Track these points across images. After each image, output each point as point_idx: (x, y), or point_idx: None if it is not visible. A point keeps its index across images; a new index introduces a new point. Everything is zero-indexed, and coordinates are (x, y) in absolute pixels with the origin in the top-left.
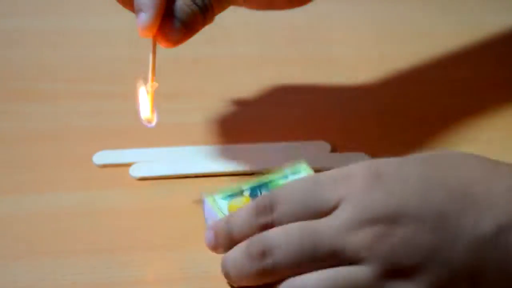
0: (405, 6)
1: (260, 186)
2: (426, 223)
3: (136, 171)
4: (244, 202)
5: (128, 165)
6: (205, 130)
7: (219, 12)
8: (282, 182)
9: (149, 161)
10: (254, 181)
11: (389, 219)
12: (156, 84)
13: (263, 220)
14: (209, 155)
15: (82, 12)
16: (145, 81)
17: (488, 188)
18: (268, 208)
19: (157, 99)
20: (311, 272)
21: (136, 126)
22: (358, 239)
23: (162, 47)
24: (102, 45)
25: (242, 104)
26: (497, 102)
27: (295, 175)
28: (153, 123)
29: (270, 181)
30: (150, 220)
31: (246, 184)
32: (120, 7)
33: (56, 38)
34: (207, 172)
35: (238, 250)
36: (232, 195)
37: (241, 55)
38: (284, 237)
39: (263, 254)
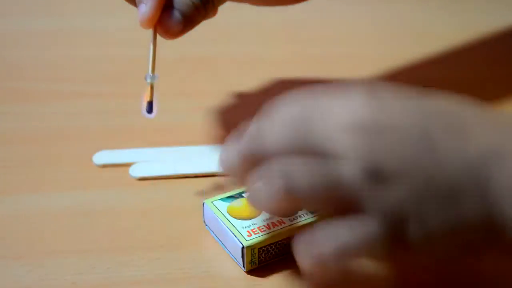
0: (405, 6)
1: None
2: (413, 135)
3: (136, 171)
4: (244, 204)
5: (128, 165)
6: (205, 130)
7: (220, 4)
8: None
9: (149, 161)
10: None
11: (377, 127)
12: (157, 75)
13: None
14: (209, 155)
15: (81, 12)
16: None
17: (479, 120)
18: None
19: (157, 98)
20: (299, 163)
21: (136, 126)
22: (347, 141)
23: (164, 43)
24: (101, 45)
25: (242, 104)
26: (497, 100)
27: None
28: (153, 114)
29: None
30: (150, 220)
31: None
32: (119, 7)
33: (55, 38)
34: (207, 172)
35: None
36: (232, 197)
37: (241, 54)
38: (277, 128)
39: (254, 139)
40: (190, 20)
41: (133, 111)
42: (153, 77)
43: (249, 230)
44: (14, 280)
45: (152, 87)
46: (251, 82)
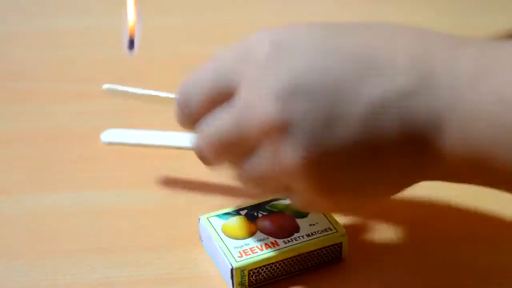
0: (405, 6)
1: (257, 206)
2: (323, 95)
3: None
4: (240, 221)
5: (128, 164)
6: None
7: None
8: (279, 202)
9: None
10: (251, 201)
11: (286, 96)
12: (139, 13)
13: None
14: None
15: (81, 12)
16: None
17: (391, 55)
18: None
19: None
20: (219, 114)
21: (136, 126)
22: (258, 118)
23: (162, 43)
24: (101, 45)
25: None
26: None
27: None
28: (134, 51)
29: (268, 202)
30: (150, 220)
31: (244, 204)
32: (119, 7)
33: (56, 38)
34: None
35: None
36: (228, 214)
37: None
38: (199, 79)
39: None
40: None
41: (133, 111)
42: (134, 14)
43: (240, 251)
44: (14, 280)
45: (134, 24)
46: None
